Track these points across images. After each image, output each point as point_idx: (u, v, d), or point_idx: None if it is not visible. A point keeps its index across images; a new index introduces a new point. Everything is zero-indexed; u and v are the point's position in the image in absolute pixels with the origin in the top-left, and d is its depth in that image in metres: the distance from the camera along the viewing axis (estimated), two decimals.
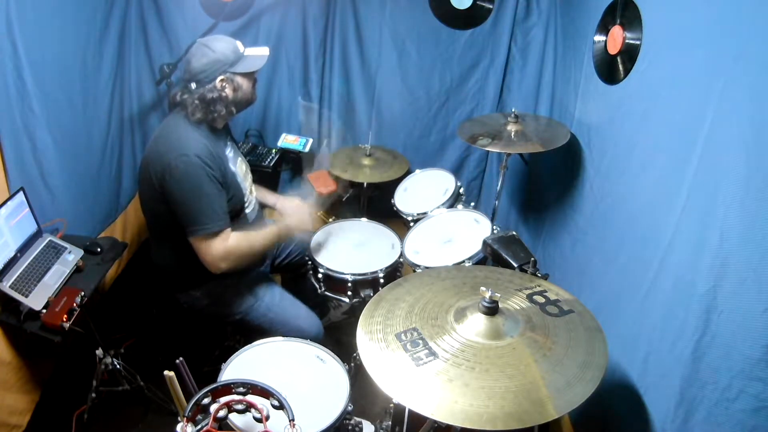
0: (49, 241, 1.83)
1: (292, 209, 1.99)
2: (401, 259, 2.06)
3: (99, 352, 1.84)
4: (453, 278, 1.42)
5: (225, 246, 1.64)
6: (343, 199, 2.62)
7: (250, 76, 1.75)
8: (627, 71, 1.67)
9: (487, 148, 2.06)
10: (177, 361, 1.27)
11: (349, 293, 2.01)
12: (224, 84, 1.68)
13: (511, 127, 2.12)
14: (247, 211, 1.86)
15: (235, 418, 1.22)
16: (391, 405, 1.58)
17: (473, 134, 2.12)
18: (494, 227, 2.07)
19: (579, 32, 2.14)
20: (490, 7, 2.59)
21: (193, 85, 1.66)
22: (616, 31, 1.75)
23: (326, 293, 2.07)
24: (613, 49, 1.77)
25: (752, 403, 1.02)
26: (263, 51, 1.77)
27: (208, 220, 1.60)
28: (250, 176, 1.95)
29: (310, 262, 2.08)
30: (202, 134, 1.67)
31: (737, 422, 1.06)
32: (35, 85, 1.81)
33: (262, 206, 2.08)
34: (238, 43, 1.74)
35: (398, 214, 2.37)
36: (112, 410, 1.99)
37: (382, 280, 1.99)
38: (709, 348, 1.13)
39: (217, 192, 1.64)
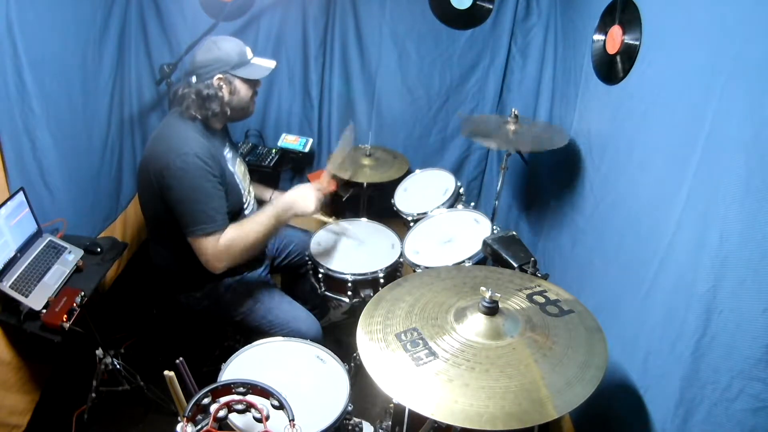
0: (49, 241, 1.83)
1: (293, 189, 1.82)
2: (401, 259, 2.06)
3: (99, 352, 1.85)
4: (453, 278, 1.42)
5: (222, 245, 1.63)
6: (343, 199, 2.62)
7: (250, 83, 1.74)
8: (626, 71, 1.67)
9: (487, 144, 2.05)
10: (177, 361, 1.27)
11: (349, 293, 2.01)
12: (221, 83, 1.68)
13: (511, 128, 2.11)
14: (246, 212, 1.86)
15: (235, 418, 1.22)
16: (391, 405, 1.58)
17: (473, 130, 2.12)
18: (494, 227, 2.07)
19: (579, 32, 2.14)
20: (490, 7, 2.58)
21: (193, 79, 1.68)
22: (615, 31, 1.75)
23: (326, 293, 2.07)
24: (612, 49, 1.77)
25: (752, 403, 1.02)
26: (269, 63, 1.77)
27: (207, 220, 1.60)
28: (248, 177, 1.95)
29: (309, 262, 2.08)
30: (199, 133, 1.67)
31: (737, 422, 1.06)
32: (35, 85, 1.81)
33: (261, 205, 2.08)
34: (248, 50, 1.73)
35: (398, 214, 2.37)
36: (112, 410, 2.00)
37: (382, 280, 1.99)
38: (709, 348, 1.13)
39: (216, 191, 1.63)
